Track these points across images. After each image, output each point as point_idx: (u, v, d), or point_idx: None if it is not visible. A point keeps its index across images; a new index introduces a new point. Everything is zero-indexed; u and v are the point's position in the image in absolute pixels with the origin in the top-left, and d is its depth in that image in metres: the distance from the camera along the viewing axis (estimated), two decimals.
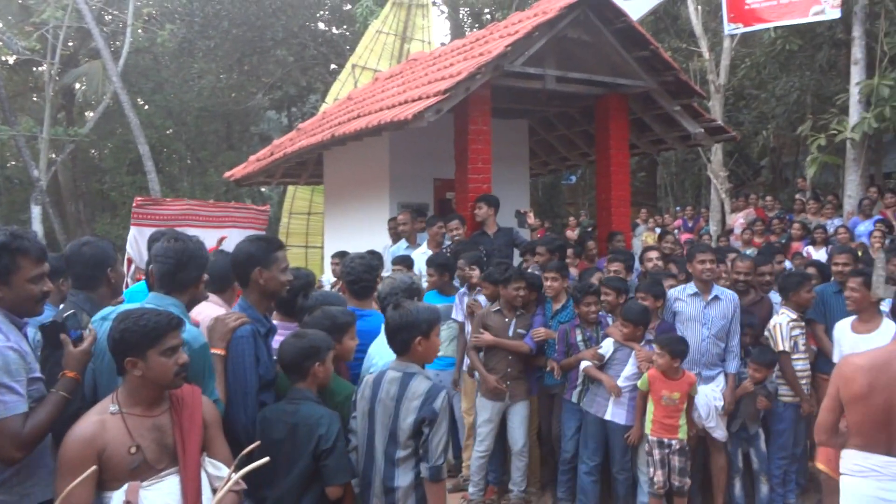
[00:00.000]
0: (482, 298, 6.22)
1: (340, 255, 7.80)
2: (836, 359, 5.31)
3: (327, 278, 8.68)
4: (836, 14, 13.05)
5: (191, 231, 5.13)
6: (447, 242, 7.74)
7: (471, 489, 5.98)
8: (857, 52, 13.44)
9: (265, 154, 11.95)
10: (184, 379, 2.77)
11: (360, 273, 4.42)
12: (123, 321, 2.68)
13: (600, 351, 5.54)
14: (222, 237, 5.43)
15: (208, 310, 3.64)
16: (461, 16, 23.21)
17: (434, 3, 20.38)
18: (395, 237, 8.64)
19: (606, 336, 5.62)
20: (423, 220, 8.35)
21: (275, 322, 3.71)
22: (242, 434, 3.16)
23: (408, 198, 9.56)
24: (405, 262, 7.02)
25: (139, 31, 21.48)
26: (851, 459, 3.28)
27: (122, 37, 20.48)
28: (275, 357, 3.51)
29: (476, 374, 6.00)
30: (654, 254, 7.24)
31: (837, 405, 3.32)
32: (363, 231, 9.46)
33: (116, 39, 21.34)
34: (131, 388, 2.71)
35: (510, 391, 5.84)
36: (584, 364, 5.57)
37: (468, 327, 6.20)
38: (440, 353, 5.49)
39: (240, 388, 3.24)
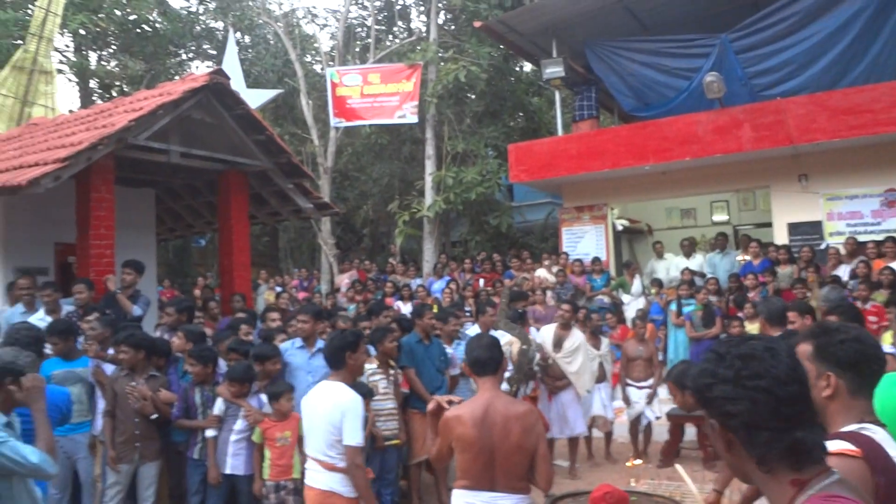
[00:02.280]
0: (107, 366, 5.54)
1: None
2: None
3: None
4: (414, 119, 14.48)
5: None
6: (67, 308, 6.78)
7: None
8: (429, 149, 15.04)
9: None
10: None
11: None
12: None
13: (215, 413, 5.25)
14: None
15: None
16: (91, 86, 21.11)
17: (60, 72, 18.28)
18: (15, 301, 7.34)
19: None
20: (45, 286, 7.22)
21: None
22: None
23: (25, 262, 8.23)
24: None
25: None
26: (462, 498, 3.30)
27: None
28: None
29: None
30: (275, 314, 7.15)
31: (448, 446, 3.36)
32: None
33: None
34: None
35: (140, 452, 5.22)
36: (209, 433, 5.23)
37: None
38: (73, 419, 4.74)
39: None
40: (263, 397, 5.28)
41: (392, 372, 5.98)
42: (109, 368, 5.57)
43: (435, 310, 7.37)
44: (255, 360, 5.47)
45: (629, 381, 7.90)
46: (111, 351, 5.68)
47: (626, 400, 7.86)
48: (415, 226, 15.25)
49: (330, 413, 3.74)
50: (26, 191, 6.47)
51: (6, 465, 3.05)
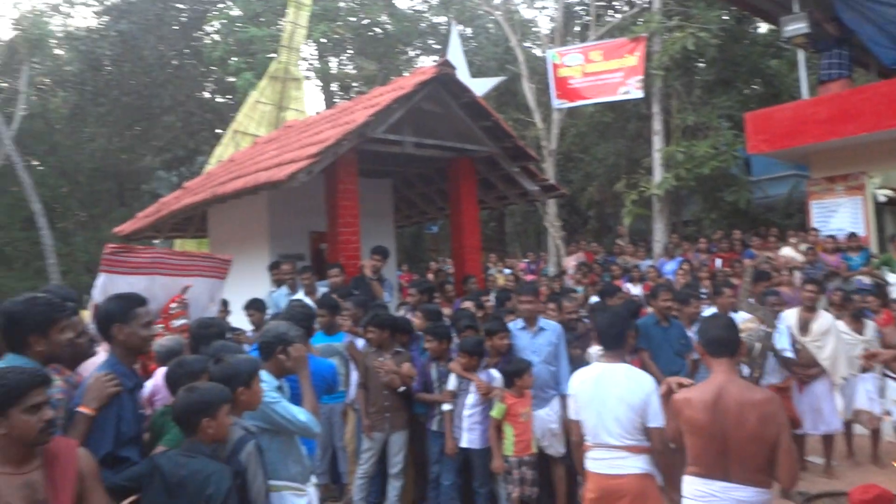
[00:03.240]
0: (359, 342, 6.05)
1: (255, 306, 7.23)
2: None
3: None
4: (639, 94, 13.91)
5: (160, 279, 4.70)
6: (322, 289, 7.50)
7: None
8: (657, 124, 14.37)
9: (152, 211, 11.31)
10: (50, 435, 2.44)
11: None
12: None
13: (449, 388, 5.49)
14: (187, 286, 4.94)
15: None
16: (332, 88, 23.12)
17: (307, 78, 20.21)
18: (278, 284, 8.29)
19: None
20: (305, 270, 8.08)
21: None
22: None
23: (286, 249, 9.25)
24: (256, 306, 6.97)
25: (32, 97, 20.05)
26: (694, 486, 3.14)
27: (15, 102, 19.04)
28: (143, 411, 3.17)
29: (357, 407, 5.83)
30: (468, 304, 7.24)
31: (678, 430, 3.22)
32: (246, 280, 9.02)
33: (9, 105, 19.82)
34: None
35: (389, 422, 5.65)
36: (445, 407, 5.49)
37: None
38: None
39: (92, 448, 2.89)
40: (494, 372, 5.43)
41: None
42: (361, 344, 6.07)
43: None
44: (486, 334, 5.64)
45: (889, 374, 6.92)
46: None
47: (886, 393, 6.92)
48: (643, 205, 14.72)
49: (628, 395, 3.55)
50: (285, 185, 7.24)
51: (279, 422, 3.45)
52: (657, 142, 14.37)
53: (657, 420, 3.54)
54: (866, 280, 9.79)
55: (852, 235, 10.49)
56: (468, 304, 6.79)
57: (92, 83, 20.98)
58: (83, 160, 20.83)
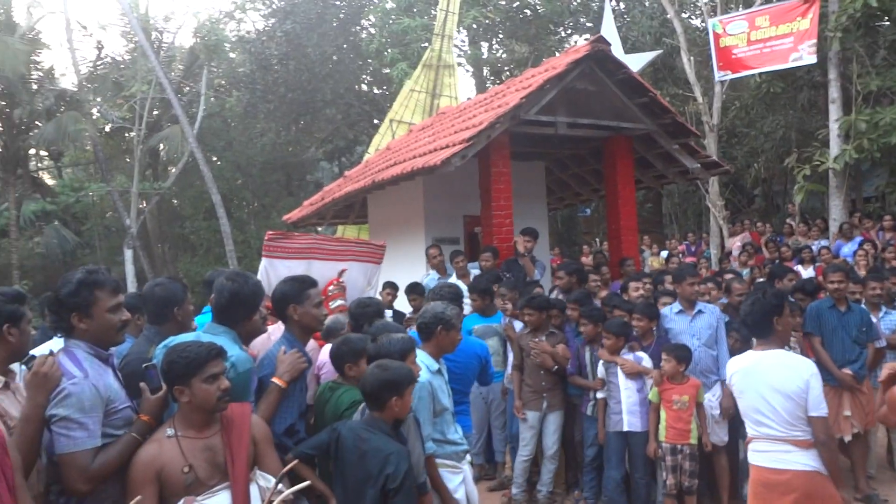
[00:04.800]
0: (517, 323, 6.11)
1: (416, 291, 7.39)
2: None
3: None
4: (812, 60, 12.81)
5: (316, 263, 5.08)
6: (474, 272, 7.61)
7: (514, 490, 5.79)
8: (834, 92, 13.15)
9: (317, 199, 11.99)
10: (227, 402, 2.67)
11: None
12: (170, 354, 2.63)
13: (599, 375, 5.44)
14: (343, 269, 5.32)
15: (275, 334, 3.59)
16: (484, 73, 23.26)
17: (460, 64, 20.46)
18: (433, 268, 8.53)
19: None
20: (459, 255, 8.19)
21: None
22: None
23: (441, 233, 9.47)
24: (417, 291, 7.06)
25: (211, 98, 21.88)
26: None
27: (198, 104, 20.88)
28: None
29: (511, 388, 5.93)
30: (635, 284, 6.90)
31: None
32: (404, 264, 9.37)
33: (192, 107, 21.75)
34: (183, 413, 2.65)
35: (547, 401, 5.70)
36: (599, 395, 5.45)
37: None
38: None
39: (280, 417, 3.15)
40: (641, 355, 5.33)
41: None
42: (518, 326, 6.11)
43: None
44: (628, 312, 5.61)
45: None
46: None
47: None
48: (817, 181, 13.59)
49: (783, 383, 3.36)
50: (440, 170, 7.41)
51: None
52: (834, 111, 13.15)
53: (818, 409, 3.31)
54: None
55: None
56: (636, 285, 6.60)
57: (262, 82, 22.52)
58: (255, 154, 22.44)
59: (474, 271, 7.72)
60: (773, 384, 3.37)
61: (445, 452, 3.67)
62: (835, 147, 12.96)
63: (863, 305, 6.05)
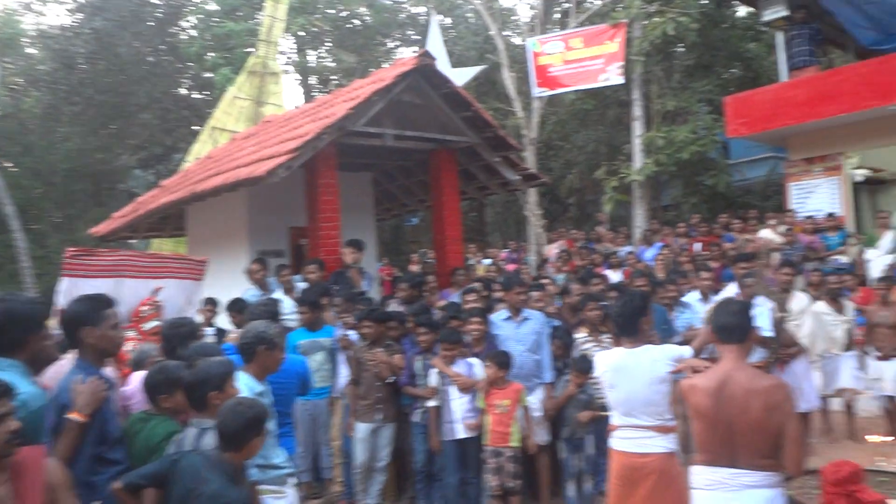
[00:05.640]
0: (353, 334, 6.06)
1: (237, 307, 6.83)
2: None
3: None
4: (619, 80, 13.93)
5: (128, 281, 4.62)
6: (300, 286, 7.46)
7: (367, 500, 5.72)
8: (637, 110, 14.40)
9: (129, 210, 11.22)
10: (16, 445, 2.35)
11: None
12: None
13: (431, 384, 5.52)
14: (159, 287, 4.88)
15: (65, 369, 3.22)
16: (311, 82, 22.96)
17: (286, 72, 20.06)
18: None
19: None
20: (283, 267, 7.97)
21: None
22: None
23: (266, 246, 9.20)
24: (238, 307, 6.65)
25: (5, 97, 19.76)
26: (701, 475, 3.14)
27: None
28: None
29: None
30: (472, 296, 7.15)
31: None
32: (226, 279, 8.98)
33: None
34: None
35: (381, 413, 5.69)
36: (430, 403, 5.53)
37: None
38: (316, 385, 5.26)
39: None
40: (473, 361, 5.46)
41: (603, 339, 5.86)
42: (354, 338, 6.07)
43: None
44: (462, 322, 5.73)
45: (872, 351, 7.04)
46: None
47: (866, 370, 7.04)
48: (623, 191, 14.77)
49: (654, 376, 3.60)
50: (264, 181, 7.20)
51: None
52: (637, 128, 14.41)
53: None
54: (844, 259, 9.90)
55: (830, 216, 10.59)
56: (471, 296, 6.77)
57: (65, 82, 20.69)
58: (58, 160, 20.53)
59: (300, 284, 7.56)
60: (643, 378, 3.62)
61: (269, 478, 3.54)
62: (638, 161, 14.19)
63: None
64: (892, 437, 6.77)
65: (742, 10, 16.50)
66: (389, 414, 5.74)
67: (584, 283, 7.17)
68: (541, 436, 5.59)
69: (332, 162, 8.20)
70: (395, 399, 5.81)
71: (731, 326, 3.15)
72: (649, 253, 11.06)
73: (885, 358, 6.92)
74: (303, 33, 20.45)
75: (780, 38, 12.32)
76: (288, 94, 22.32)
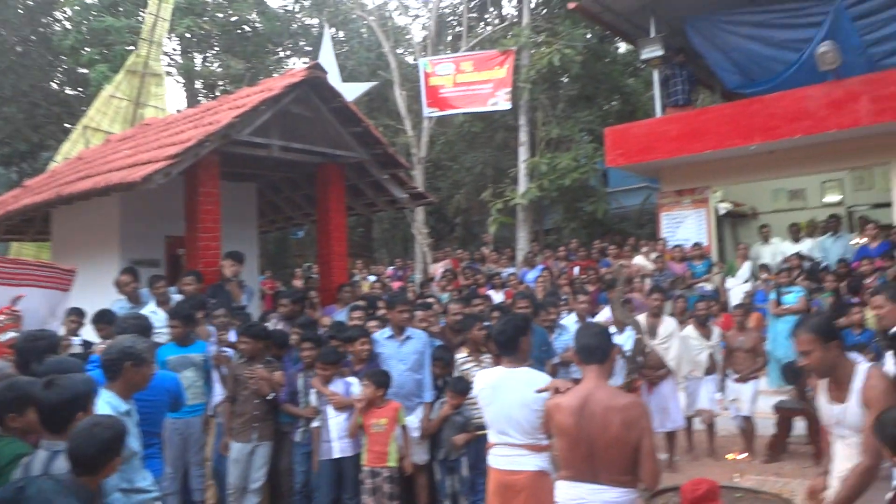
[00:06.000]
0: (230, 351, 5.83)
1: (105, 319, 6.29)
2: None
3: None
4: (507, 106, 14.34)
5: None
6: (176, 298, 7.12)
7: None
8: (523, 136, 14.88)
9: None
10: None
11: None
12: None
13: (312, 403, 5.44)
14: (19, 296, 4.44)
15: None
16: (196, 86, 22.12)
17: (169, 74, 19.23)
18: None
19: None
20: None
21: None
22: None
23: (139, 255, 8.70)
24: (106, 319, 6.18)
25: None
26: (564, 490, 3.23)
27: None
28: None
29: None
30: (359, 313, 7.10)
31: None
32: (94, 288, 8.43)
33: None
34: None
35: (257, 432, 5.52)
36: (314, 424, 5.44)
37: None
38: (188, 402, 4.98)
39: None
40: (352, 380, 5.42)
41: (483, 359, 5.94)
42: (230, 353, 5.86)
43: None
44: (346, 341, 5.69)
45: (729, 374, 7.57)
46: (231, 338, 6.00)
47: (725, 392, 7.55)
48: (508, 214, 15.15)
49: (526, 398, 3.65)
50: (140, 187, 6.84)
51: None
52: (523, 153, 14.87)
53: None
54: (709, 286, 10.59)
55: (696, 245, 11.30)
56: (358, 314, 6.68)
57: None
58: None
59: (176, 297, 7.21)
60: (517, 398, 3.69)
61: (133, 502, 3.34)
62: (522, 184, 14.62)
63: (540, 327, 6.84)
64: (748, 455, 7.26)
65: (623, 47, 17.45)
66: (266, 433, 5.59)
67: (467, 303, 7.27)
68: (419, 455, 5.59)
69: (214, 171, 7.92)
70: (272, 417, 5.66)
71: (593, 347, 3.29)
72: (531, 275, 11.38)
73: (742, 380, 7.45)
74: (189, 35, 19.68)
75: (656, 75, 13.11)
76: (171, 97, 21.39)
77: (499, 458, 3.81)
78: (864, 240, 9.90)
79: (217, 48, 21.71)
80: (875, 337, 6.64)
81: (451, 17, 19.30)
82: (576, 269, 11.52)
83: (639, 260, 11.19)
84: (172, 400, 4.12)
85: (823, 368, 3.19)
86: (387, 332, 5.94)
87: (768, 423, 7.44)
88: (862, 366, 3.19)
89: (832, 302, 8.51)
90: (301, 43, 22.16)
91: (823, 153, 10.83)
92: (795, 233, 11.11)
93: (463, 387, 5.47)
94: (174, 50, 21.07)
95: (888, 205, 10.82)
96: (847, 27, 10.26)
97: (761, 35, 11.38)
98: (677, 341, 7.11)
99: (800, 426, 7.40)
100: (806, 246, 10.78)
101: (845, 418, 3.18)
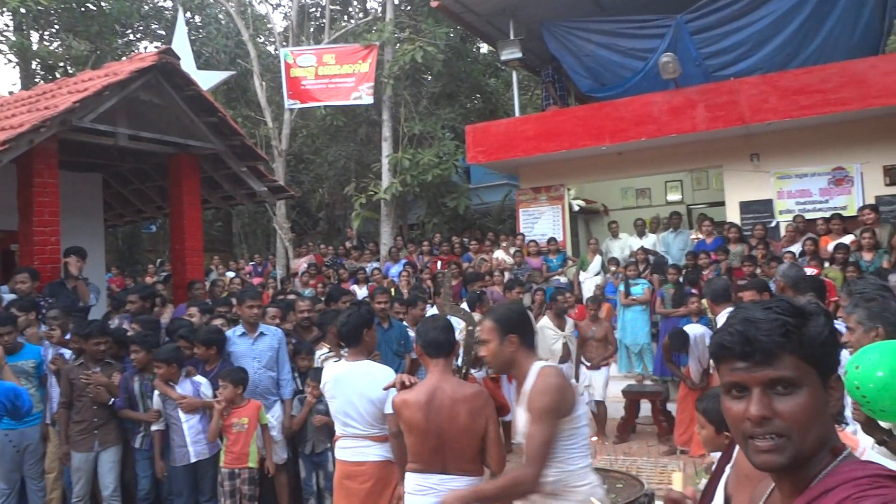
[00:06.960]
0: (67, 352, 5.38)
1: None
2: None
3: None
4: (370, 100, 14.29)
5: None
6: (7, 297, 6.51)
7: None
8: (386, 131, 14.88)
9: None
10: None
11: None
12: None
13: (154, 407, 5.16)
14: None
15: None
16: (33, 66, 20.31)
17: (1, 52, 17.54)
18: None
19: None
20: None
21: None
22: None
23: None
24: None
25: None
26: (413, 481, 3.23)
27: None
28: None
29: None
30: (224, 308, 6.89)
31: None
32: None
33: None
34: None
35: (99, 438, 5.18)
36: (154, 427, 5.16)
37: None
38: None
39: None
40: (200, 380, 5.20)
41: (344, 353, 5.88)
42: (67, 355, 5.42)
43: (392, 293, 7.30)
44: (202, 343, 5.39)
45: (583, 362, 7.97)
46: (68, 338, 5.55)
47: (579, 379, 7.94)
48: (372, 208, 15.11)
49: (368, 390, 3.72)
50: None
51: None
52: (386, 148, 14.87)
53: (390, 408, 3.65)
54: (563, 279, 11.07)
55: (552, 240, 11.78)
56: (193, 311, 6.38)
57: None
58: None
59: (8, 297, 6.59)
60: (360, 390, 3.74)
61: None
62: (386, 179, 14.63)
63: (404, 322, 6.87)
64: (597, 438, 7.67)
65: (484, 48, 17.85)
66: (109, 438, 5.27)
67: (333, 300, 7.15)
68: (279, 454, 5.46)
69: (52, 159, 7.31)
70: (117, 422, 5.32)
71: (440, 342, 3.34)
72: (395, 269, 11.41)
73: (594, 367, 7.87)
74: (24, 10, 18.02)
75: (515, 76, 13.51)
76: (1, 78, 19.44)
77: (344, 451, 3.86)
78: (701, 235, 10.73)
79: (57, 26, 20.02)
80: (710, 324, 7.19)
81: (314, 9, 18.95)
82: (439, 264, 11.67)
83: (499, 254, 11.50)
84: (12, 409, 3.76)
85: (498, 363, 2.93)
86: (239, 329, 5.69)
87: (619, 406, 7.91)
88: (536, 365, 2.80)
89: (673, 293, 9.16)
90: (153, 26, 20.91)
91: (666, 155, 11.64)
92: (640, 228, 11.86)
93: (321, 376, 5.38)
94: (6, 26, 19.22)
95: (722, 204, 11.80)
96: (686, 40, 11.09)
97: (611, 43, 12.05)
98: (535, 332, 7.37)
99: (645, 408, 7.94)
100: (650, 241, 11.53)
101: (519, 425, 2.87)
